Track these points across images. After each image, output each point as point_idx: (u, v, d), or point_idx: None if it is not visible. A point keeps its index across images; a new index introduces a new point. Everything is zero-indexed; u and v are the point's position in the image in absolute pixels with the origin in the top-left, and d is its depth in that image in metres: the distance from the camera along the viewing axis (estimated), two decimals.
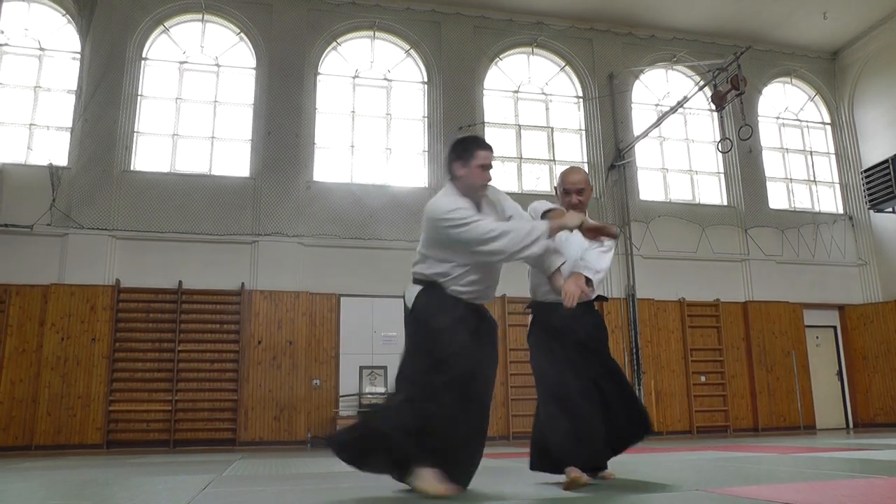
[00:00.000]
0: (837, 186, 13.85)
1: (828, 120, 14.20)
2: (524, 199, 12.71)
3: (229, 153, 11.20)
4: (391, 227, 11.06)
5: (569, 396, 3.20)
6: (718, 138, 12.53)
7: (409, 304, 3.22)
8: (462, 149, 3.29)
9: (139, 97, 11.01)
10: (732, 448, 6.74)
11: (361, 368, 10.46)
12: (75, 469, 5.58)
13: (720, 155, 12.65)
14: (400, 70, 12.23)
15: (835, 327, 13.07)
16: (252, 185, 10.87)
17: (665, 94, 13.28)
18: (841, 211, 13.63)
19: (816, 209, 13.58)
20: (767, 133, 13.73)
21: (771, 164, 13.54)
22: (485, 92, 12.33)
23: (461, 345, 3.07)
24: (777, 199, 13.35)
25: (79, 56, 10.87)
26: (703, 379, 11.82)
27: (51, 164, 10.21)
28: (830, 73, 14.22)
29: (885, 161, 12.44)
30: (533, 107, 12.71)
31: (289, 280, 10.54)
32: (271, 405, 10.06)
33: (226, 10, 11.51)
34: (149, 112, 11.10)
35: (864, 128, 13.65)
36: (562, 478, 3.19)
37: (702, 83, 11.70)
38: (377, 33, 12.19)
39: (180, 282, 10.21)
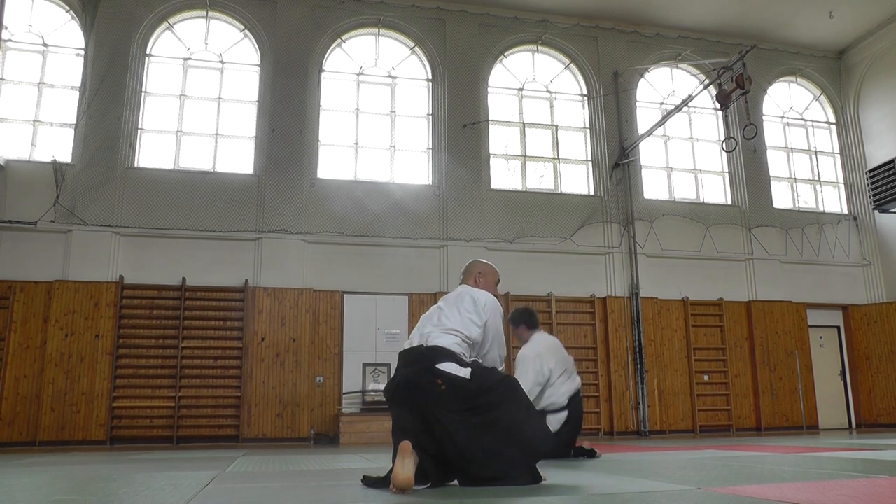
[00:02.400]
0: (842, 186, 13.80)
1: (833, 119, 14.14)
2: (527, 197, 12.52)
3: (233, 150, 11.21)
4: (395, 225, 11.07)
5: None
6: (723, 137, 12.48)
7: None
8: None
9: (143, 94, 11.02)
10: (735, 447, 6.73)
11: (365, 366, 10.46)
12: (79, 465, 5.59)
13: (724, 154, 12.62)
14: (404, 67, 12.22)
15: (838, 327, 13.04)
16: (256, 183, 10.88)
17: (670, 92, 13.25)
18: (845, 211, 13.59)
19: (821, 209, 13.54)
20: (772, 132, 13.68)
21: (775, 163, 13.50)
22: (489, 89, 12.32)
23: None
24: (781, 198, 13.31)
25: (82, 52, 10.88)
26: (706, 378, 11.81)
27: (55, 160, 10.23)
28: (836, 72, 14.16)
29: (891, 161, 12.40)
30: (537, 104, 12.69)
31: (292, 277, 10.55)
32: (274, 402, 10.08)
33: (230, 7, 11.50)
34: (153, 109, 11.11)
35: (869, 127, 13.60)
36: None
37: (707, 82, 11.68)
38: (382, 30, 12.18)
39: (184, 279, 10.22)
